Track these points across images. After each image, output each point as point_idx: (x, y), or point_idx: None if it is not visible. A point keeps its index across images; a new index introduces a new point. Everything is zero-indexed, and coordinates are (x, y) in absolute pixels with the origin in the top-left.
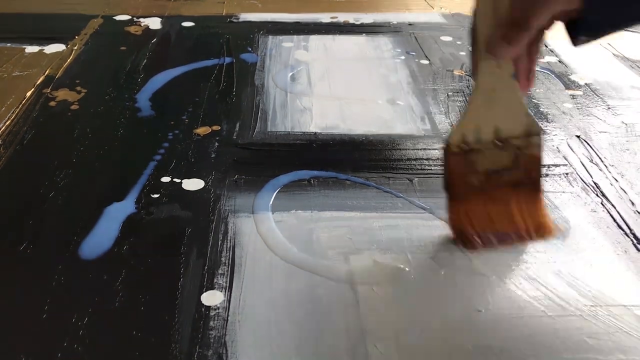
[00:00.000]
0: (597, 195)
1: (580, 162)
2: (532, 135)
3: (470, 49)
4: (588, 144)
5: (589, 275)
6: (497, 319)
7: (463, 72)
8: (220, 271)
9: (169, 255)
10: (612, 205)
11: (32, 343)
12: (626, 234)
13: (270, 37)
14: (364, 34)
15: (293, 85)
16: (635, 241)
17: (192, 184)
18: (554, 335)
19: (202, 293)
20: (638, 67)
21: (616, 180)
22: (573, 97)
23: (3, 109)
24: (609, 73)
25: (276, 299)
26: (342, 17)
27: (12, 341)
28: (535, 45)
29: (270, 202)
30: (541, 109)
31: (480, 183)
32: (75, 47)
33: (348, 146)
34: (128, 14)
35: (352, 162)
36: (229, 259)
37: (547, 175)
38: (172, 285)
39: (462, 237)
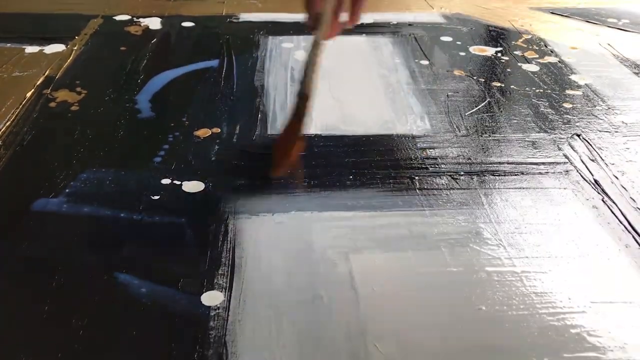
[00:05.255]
0: (598, 192)
1: (581, 160)
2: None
3: None
4: (588, 142)
5: (590, 272)
6: (497, 317)
7: (463, 73)
8: (220, 272)
9: (170, 257)
10: (613, 202)
11: (32, 343)
12: (627, 230)
13: (270, 37)
14: (364, 34)
15: (293, 87)
16: (636, 237)
17: (192, 186)
18: (554, 333)
19: (202, 293)
20: (637, 67)
21: (617, 178)
22: (573, 96)
23: (3, 109)
24: (609, 73)
25: (276, 298)
26: (342, 17)
27: (12, 341)
28: None
29: None
30: (541, 109)
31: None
32: (75, 48)
33: (348, 147)
34: (128, 14)
35: (352, 163)
36: (229, 260)
37: (547, 173)
38: (173, 286)
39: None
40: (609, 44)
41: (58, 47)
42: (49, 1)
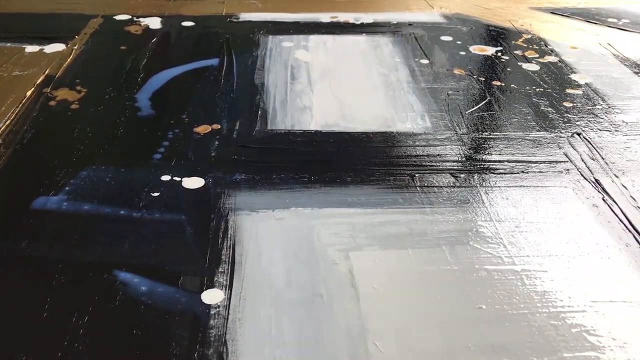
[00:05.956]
0: (598, 191)
1: (582, 159)
2: None
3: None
4: (589, 141)
5: (590, 271)
6: (497, 316)
7: (463, 72)
8: (220, 269)
9: (169, 254)
10: (614, 200)
11: (32, 343)
12: (628, 229)
13: (270, 36)
14: (364, 34)
15: (293, 84)
16: (636, 236)
17: (192, 182)
18: (554, 332)
19: (203, 291)
20: (637, 66)
21: (617, 177)
22: (573, 95)
23: (3, 108)
24: (609, 72)
25: (276, 297)
26: (342, 17)
27: (12, 341)
28: None
29: None
30: (542, 108)
31: None
32: (75, 47)
33: (348, 144)
34: (128, 14)
35: (352, 160)
36: (229, 257)
37: (548, 171)
38: (173, 284)
39: None
40: (609, 44)
41: (58, 47)
42: (49, 1)
